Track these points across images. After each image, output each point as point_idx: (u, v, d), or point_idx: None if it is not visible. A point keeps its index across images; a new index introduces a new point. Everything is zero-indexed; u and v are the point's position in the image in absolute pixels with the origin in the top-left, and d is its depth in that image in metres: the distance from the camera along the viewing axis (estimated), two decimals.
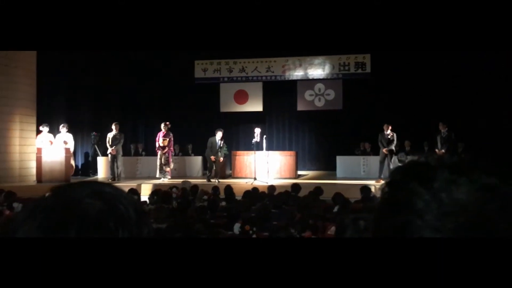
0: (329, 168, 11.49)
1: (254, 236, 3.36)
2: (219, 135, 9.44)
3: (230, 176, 10.35)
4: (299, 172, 10.71)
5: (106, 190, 0.62)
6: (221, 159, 9.57)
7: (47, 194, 0.61)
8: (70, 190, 0.61)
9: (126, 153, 11.23)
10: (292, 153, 10.38)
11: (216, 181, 9.11)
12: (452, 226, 0.45)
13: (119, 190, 0.64)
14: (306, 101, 12.42)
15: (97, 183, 0.65)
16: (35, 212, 0.58)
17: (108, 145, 9.67)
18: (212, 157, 9.36)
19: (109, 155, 9.69)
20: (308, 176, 10.72)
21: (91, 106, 12.76)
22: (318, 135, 12.61)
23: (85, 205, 0.59)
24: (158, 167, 9.57)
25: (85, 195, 0.60)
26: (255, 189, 6.45)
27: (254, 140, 9.33)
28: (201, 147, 10.88)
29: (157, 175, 9.57)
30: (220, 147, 9.48)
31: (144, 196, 6.66)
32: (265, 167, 9.35)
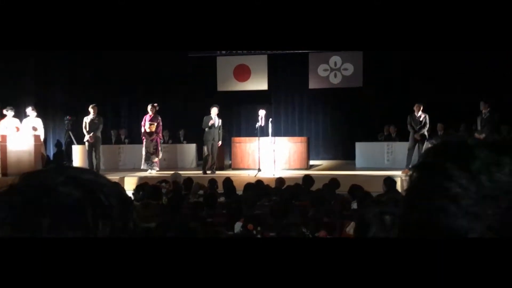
0: (347, 156, 11.53)
1: (258, 236, 3.39)
2: (214, 111, 9.41)
3: (229, 167, 10.40)
4: (312, 162, 10.73)
5: (84, 177, 0.61)
6: (219, 142, 9.60)
7: (15, 182, 0.61)
8: (42, 177, 0.60)
9: (106, 140, 11.21)
10: (303, 139, 10.38)
11: (213, 172, 9.19)
12: (493, 212, 0.45)
13: (100, 177, 0.64)
14: (320, 78, 12.37)
15: (75, 168, 0.64)
16: (1, 203, 0.58)
17: (84, 131, 9.69)
18: (206, 148, 9.26)
19: (86, 143, 9.73)
20: (322, 167, 10.76)
21: (64, 85, 12.78)
22: (334, 118, 12.58)
23: (60, 194, 0.58)
24: (144, 157, 9.61)
25: (59, 182, 0.59)
26: (259, 182, 6.48)
27: (257, 124, 9.33)
28: (195, 133, 10.87)
29: (143, 167, 9.61)
30: (219, 127, 9.47)
31: (128, 191, 6.70)
32: (271, 156, 9.38)
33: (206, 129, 9.39)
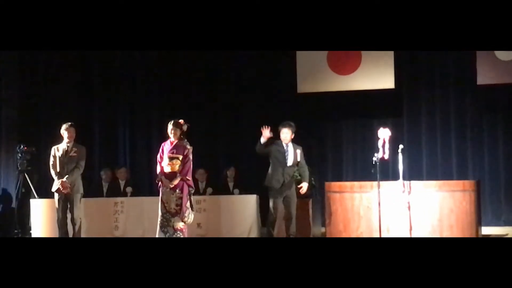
0: None
1: None
2: (286, 135, 9.49)
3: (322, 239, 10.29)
4: (486, 230, 10.51)
5: None
6: (303, 186, 9.56)
7: None
8: None
9: (91, 190, 11.41)
10: (468, 185, 10.02)
11: None
12: None
13: None
14: (500, 64, 12.20)
15: None
16: None
17: (53, 172, 9.88)
18: (272, 202, 9.32)
19: (56, 195, 9.90)
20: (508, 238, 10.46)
21: (15, 92, 13.26)
22: None
23: None
24: (160, 220, 9.61)
25: None
26: None
27: (376, 157, 9.15)
28: (256, 173, 10.80)
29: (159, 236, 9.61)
30: (297, 164, 9.50)
31: None
32: (404, 219, 9.31)
33: (271, 162, 9.40)
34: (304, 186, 9.63)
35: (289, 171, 9.47)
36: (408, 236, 9.32)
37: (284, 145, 9.49)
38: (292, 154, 9.48)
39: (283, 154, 9.47)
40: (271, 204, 9.51)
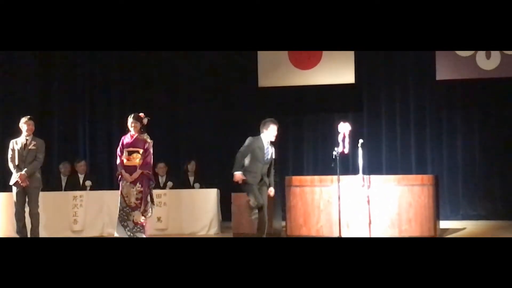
0: None
1: None
2: (270, 132, 9.10)
3: (282, 235, 10.42)
4: (444, 224, 10.59)
5: None
6: (271, 191, 9.17)
7: None
8: None
9: (50, 183, 11.32)
10: (426, 179, 10.13)
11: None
12: None
13: None
14: (458, 60, 12.32)
15: None
16: None
17: (11, 166, 9.80)
18: (240, 179, 8.98)
19: (14, 189, 9.81)
20: (465, 232, 10.64)
21: None
22: (491, 136, 12.50)
23: None
24: (119, 213, 9.57)
25: None
26: None
27: (336, 151, 9.19)
28: (216, 168, 10.79)
29: (118, 234, 9.55)
30: (271, 162, 9.14)
31: None
32: (363, 213, 9.36)
33: (246, 161, 9.01)
34: (272, 192, 9.22)
35: (264, 169, 9.04)
36: (367, 230, 9.39)
37: (265, 142, 9.07)
38: (270, 152, 9.15)
39: (263, 151, 9.02)
40: (251, 199, 8.91)
